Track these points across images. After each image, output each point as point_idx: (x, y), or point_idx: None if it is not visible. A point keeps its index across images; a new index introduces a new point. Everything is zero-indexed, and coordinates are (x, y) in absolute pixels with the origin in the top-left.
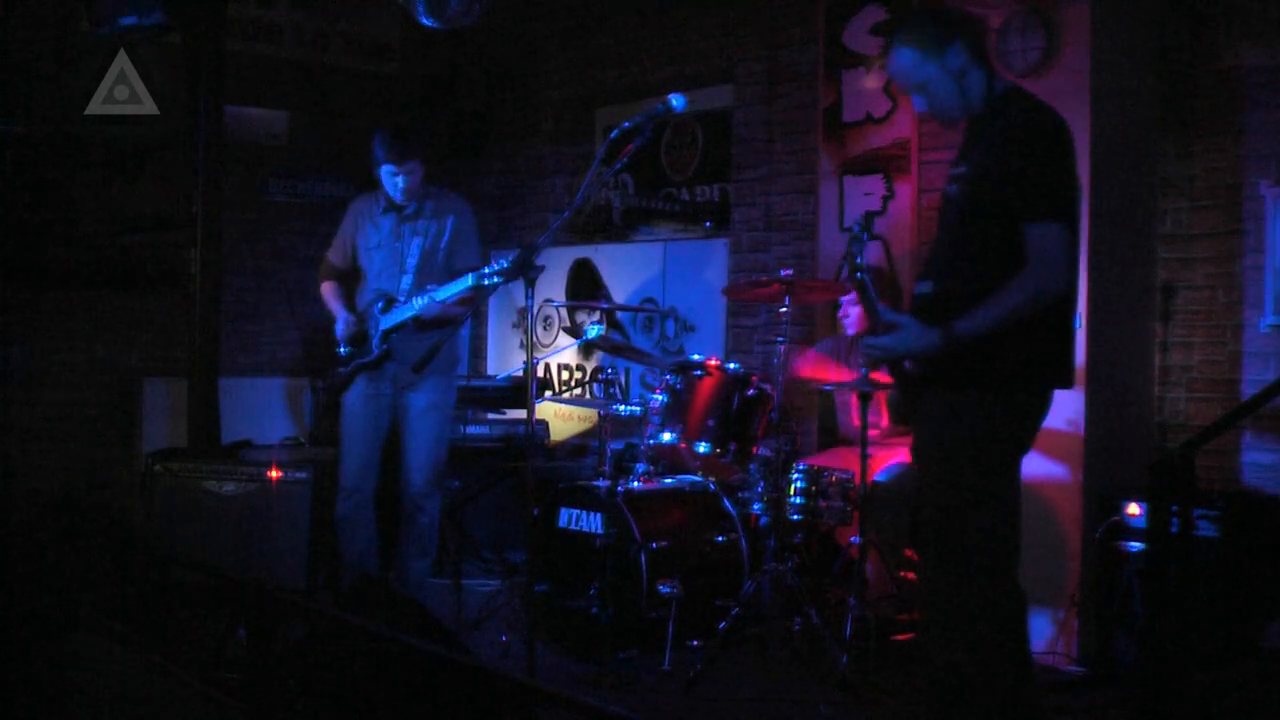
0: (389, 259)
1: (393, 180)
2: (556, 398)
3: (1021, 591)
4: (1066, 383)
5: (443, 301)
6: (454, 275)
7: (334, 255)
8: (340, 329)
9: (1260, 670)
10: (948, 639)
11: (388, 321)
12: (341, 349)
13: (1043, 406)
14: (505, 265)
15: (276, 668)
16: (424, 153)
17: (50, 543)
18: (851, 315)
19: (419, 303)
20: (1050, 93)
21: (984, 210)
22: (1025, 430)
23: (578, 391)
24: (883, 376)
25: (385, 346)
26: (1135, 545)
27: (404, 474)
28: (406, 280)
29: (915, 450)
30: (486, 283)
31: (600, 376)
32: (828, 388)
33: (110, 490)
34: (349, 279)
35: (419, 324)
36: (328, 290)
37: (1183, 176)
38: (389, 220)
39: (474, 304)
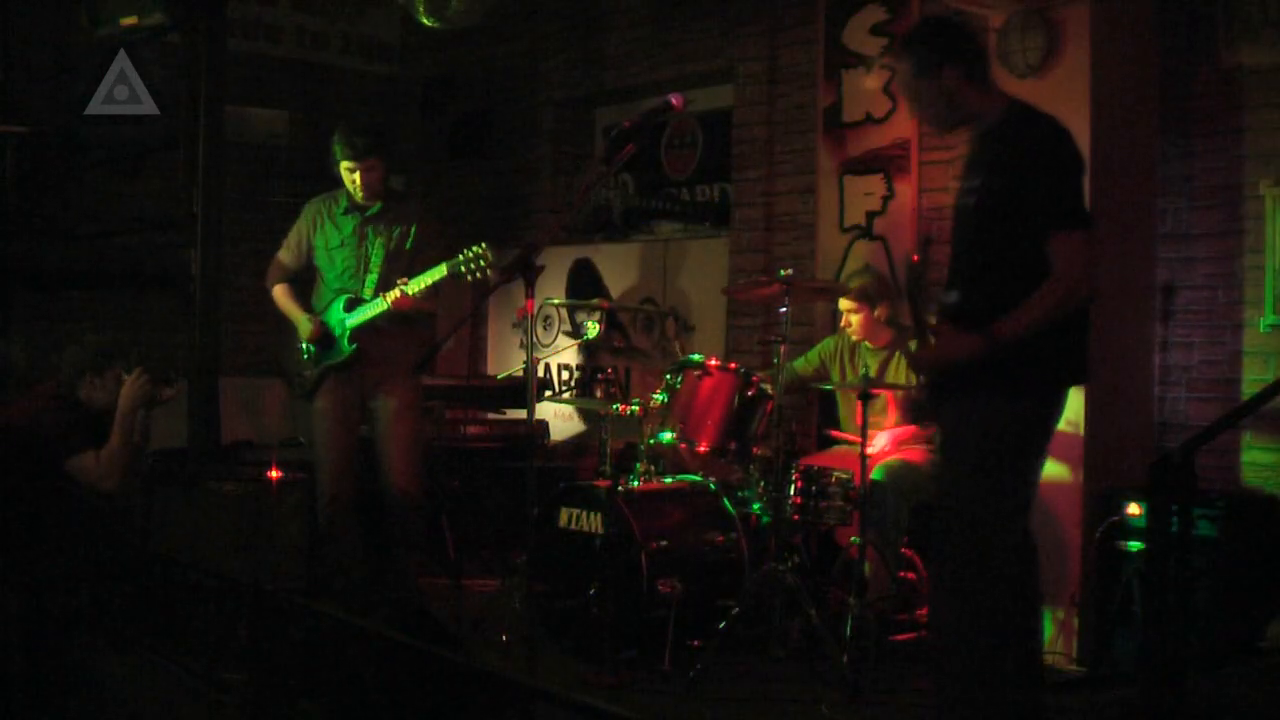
0: (351, 259)
1: (351, 178)
2: (556, 398)
3: (1038, 592)
4: (1081, 379)
5: (414, 295)
6: (418, 274)
7: (287, 256)
8: (305, 330)
9: (1260, 670)
10: (964, 642)
11: (354, 319)
12: (304, 352)
13: (1061, 405)
14: (478, 251)
15: (276, 668)
16: (384, 150)
17: (51, 543)
18: (853, 324)
19: (392, 295)
20: (1050, 93)
21: (1005, 222)
22: (1047, 430)
23: (577, 391)
24: (887, 379)
25: (355, 346)
26: (1135, 545)
27: (386, 477)
28: (371, 279)
29: (940, 450)
30: (464, 270)
31: (600, 376)
32: (828, 387)
33: (129, 491)
34: (299, 281)
35: (390, 320)
36: (281, 293)
37: (1183, 176)
38: (351, 221)
39: (435, 302)
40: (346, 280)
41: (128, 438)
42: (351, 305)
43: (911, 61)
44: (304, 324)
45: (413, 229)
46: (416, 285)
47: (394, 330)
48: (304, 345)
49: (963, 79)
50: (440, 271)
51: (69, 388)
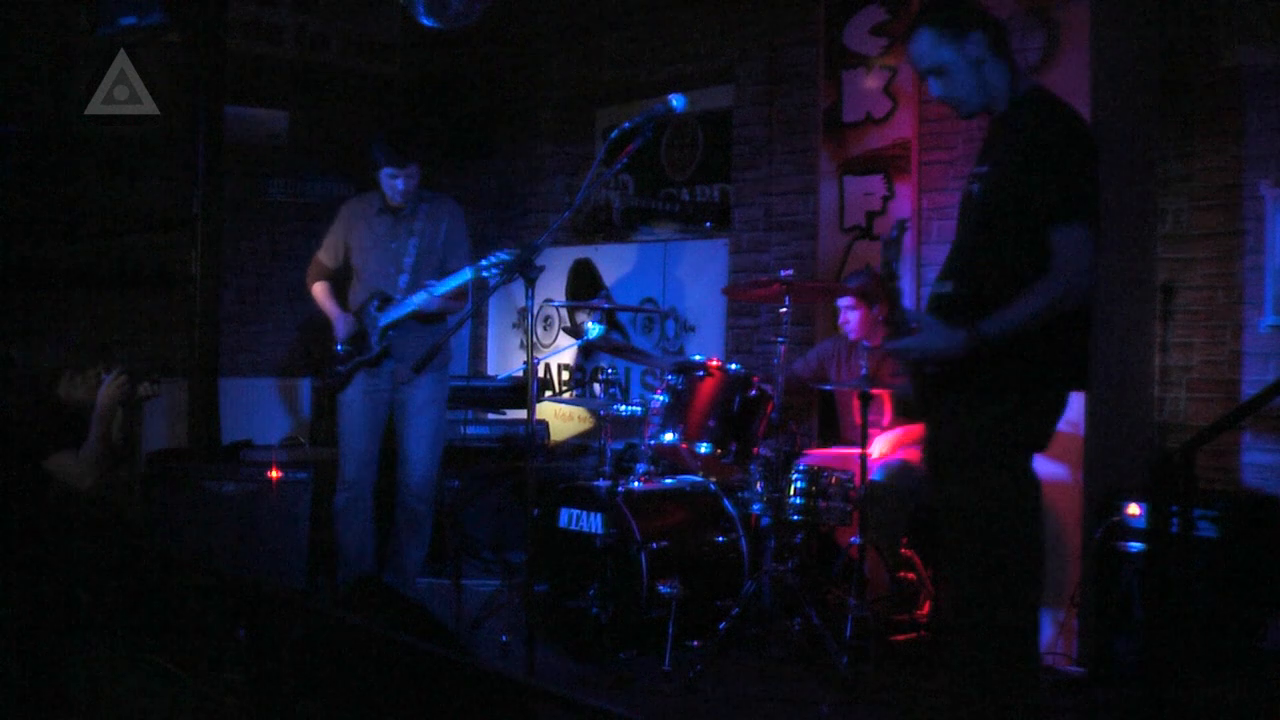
0: (385, 259)
1: (392, 183)
2: (556, 398)
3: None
4: (1082, 384)
5: (441, 296)
6: (448, 274)
7: (325, 256)
8: (340, 328)
9: (1260, 670)
10: (972, 640)
11: (386, 319)
12: (339, 347)
13: (1061, 406)
14: (503, 256)
15: (276, 668)
16: (423, 156)
17: (51, 543)
18: (852, 321)
19: (418, 298)
20: None
21: (1006, 211)
22: (1044, 430)
23: (578, 391)
24: (887, 379)
25: (384, 343)
26: (1135, 545)
27: (403, 468)
28: (403, 279)
29: (930, 451)
30: (486, 275)
31: (600, 376)
32: (828, 388)
33: (110, 490)
34: (339, 279)
35: (419, 319)
36: (320, 291)
37: (1183, 176)
38: (384, 221)
39: (467, 299)
40: (379, 280)
41: (106, 436)
42: (383, 304)
43: (938, 28)
44: (339, 322)
45: (443, 227)
46: (443, 289)
47: (423, 328)
48: (339, 342)
49: (990, 48)
50: (464, 276)
51: (49, 386)
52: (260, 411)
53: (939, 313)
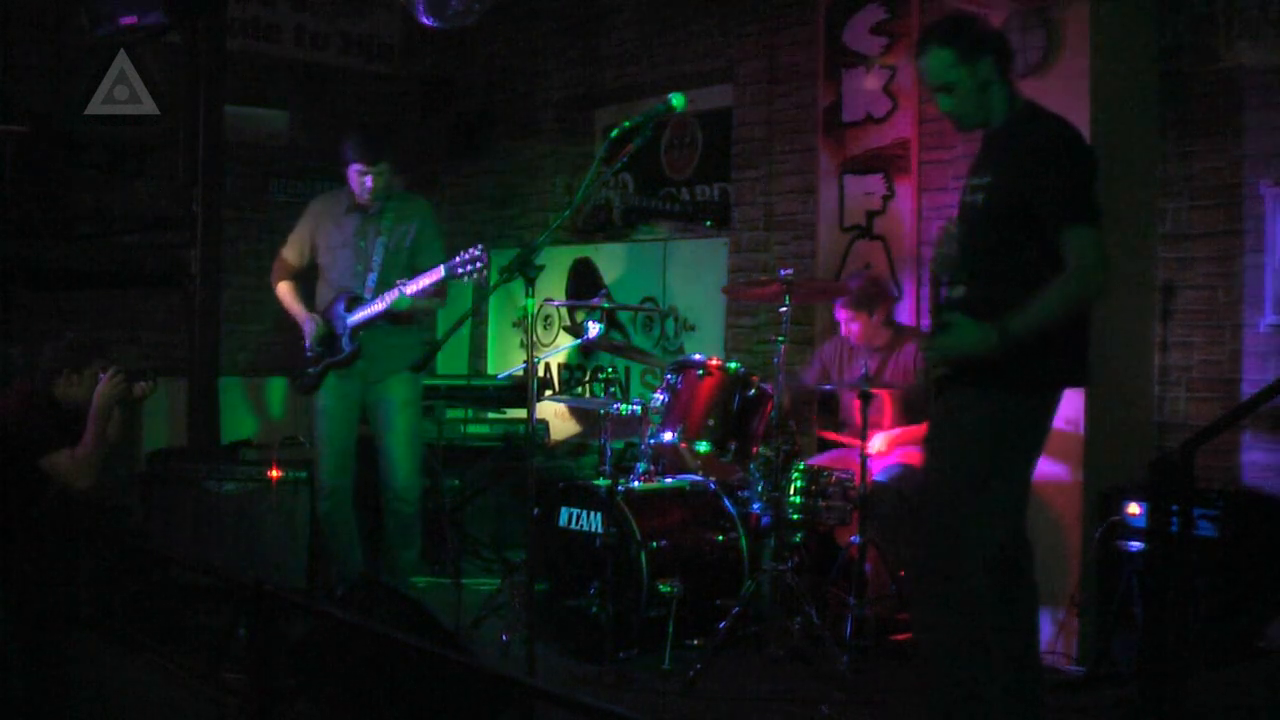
0: (353, 258)
1: (361, 180)
2: (556, 397)
3: (1035, 587)
4: (1083, 380)
5: (413, 295)
6: (418, 273)
7: (291, 253)
8: (309, 329)
9: (1260, 670)
10: (948, 643)
11: (355, 319)
12: (308, 350)
13: (1054, 406)
14: (474, 253)
15: (276, 668)
16: (393, 155)
17: (50, 542)
18: (854, 332)
19: (390, 297)
20: (1050, 93)
21: (1013, 219)
22: (1043, 428)
23: (578, 391)
24: (888, 379)
25: (356, 345)
26: (1135, 545)
27: (386, 470)
28: (372, 278)
29: (928, 442)
30: (460, 272)
31: (600, 376)
32: (828, 388)
33: (110, 490)
34: (302, 279)
35: (390, 319)
36: (285, 291)
37: (1183, 176)
38: (353, 220)
39: (443, 297)
40: (348, 279)
41: (101, 436)
42: (352, 305)
43: (952, 50)
44: (307, 323)
45: (414, 227)
46: (413, 287)
47: (394, 328)
48: (308, 343)
49: (998, 71)
50: (437, 274)
51: (45, 385)
52: (260, 411)
53: (957, 314)
